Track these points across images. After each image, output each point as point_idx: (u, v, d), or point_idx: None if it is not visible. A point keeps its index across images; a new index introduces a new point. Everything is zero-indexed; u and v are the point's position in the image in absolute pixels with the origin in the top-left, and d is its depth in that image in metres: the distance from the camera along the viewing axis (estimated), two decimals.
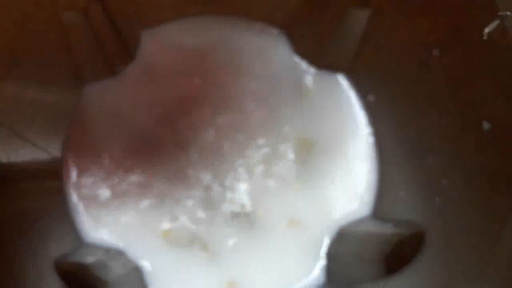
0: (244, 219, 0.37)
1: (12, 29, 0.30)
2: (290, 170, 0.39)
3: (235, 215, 0.37)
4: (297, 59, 0.42)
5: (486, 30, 0.26)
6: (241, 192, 0.38)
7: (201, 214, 0.37)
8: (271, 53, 0.42)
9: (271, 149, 0.39)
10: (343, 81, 0.41)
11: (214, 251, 0.36)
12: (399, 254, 0.31)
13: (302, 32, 0.41)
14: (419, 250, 0.30)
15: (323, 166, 0.39)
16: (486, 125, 0.27)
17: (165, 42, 0.41)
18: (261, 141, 0.39)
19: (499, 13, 0.25)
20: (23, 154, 0.32)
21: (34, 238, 0.29)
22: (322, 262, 0.36)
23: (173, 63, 0.40)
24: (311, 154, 0.39)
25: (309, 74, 0.41)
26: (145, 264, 0.35)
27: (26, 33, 0.31)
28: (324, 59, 0.41)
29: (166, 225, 0.36)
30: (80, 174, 0.37)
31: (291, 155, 0.39)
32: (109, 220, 0.36)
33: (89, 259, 0.31)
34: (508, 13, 0.25)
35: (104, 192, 0.37)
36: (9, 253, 0.26)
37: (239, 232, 0.37)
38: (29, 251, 0.28)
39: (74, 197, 0.36)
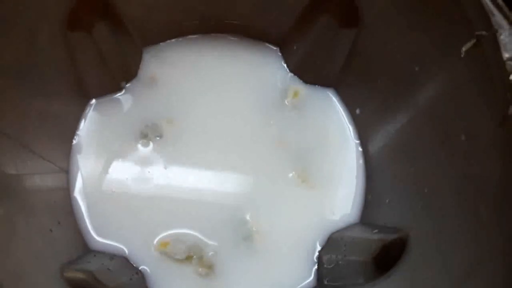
0: (239, 230, 0.37)
1: (19, 44, 0.30)
2: (282, 180, 0.39)
3: (231, 226, 0.37)
4: (289, 74, 0.42)
5: (463, 48, 0.26)
6: (235, 203, 0.38)
7: (198, 227, 0.37)
8: (265, 69, 0.42)
9: (262, 159, 0.39)
10: (332, 95, 0.42)
11: (211, 261, 0.36)
12: (385, 257, 0.31)
13: (294, 48, 0.41)
14: (403, 254, 0.30)
15: (314, 176, 0.39)
16: (463, 137, 0.27)
17: (166, 59, 0.41)
18: (253, 151, 0.39)
19: (476, 33, 0.25)
20: (30, 165, 0.32)
21: (42, 245, 0.29)
22: (314, 266, 0.36)
23: (173, 79, 0.41)
24: (302, 164, 0.39)
25: (300, 88, 0.42)
26: (147, 272, 0.35)
27: (33, 48, 0.31)
28: (313, 74, 0.41)
29: (164, 237, 0.36)
30: (85, 184, 0.37)
31: (282, 165, 0.39)
32: (113, 228, 0.36)
33: (94, 265, 0.31)
34: (484, 32, 0.25)
35: (109, 201, 0.37)
36: (18, 259, 0.26)
37: (236, 244, 0.37)
38: (37, 257, 0.28)
39: (79, 206, 0.36)
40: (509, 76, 0.23)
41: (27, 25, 0.30)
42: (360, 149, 0.40)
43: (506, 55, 0.23)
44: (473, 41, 0.26)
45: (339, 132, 0.40)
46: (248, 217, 0.37)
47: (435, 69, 0.30)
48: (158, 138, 0.38)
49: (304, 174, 0.39)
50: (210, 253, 0.36)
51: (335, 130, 0.41)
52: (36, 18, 0.31)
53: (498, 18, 0.24)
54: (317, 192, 0.38)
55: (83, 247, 0.34)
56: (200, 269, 0.36)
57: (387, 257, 0.31)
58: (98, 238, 0.35)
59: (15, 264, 0.26)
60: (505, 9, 0.24)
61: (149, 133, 0.38)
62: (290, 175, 0.39)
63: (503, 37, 0.24)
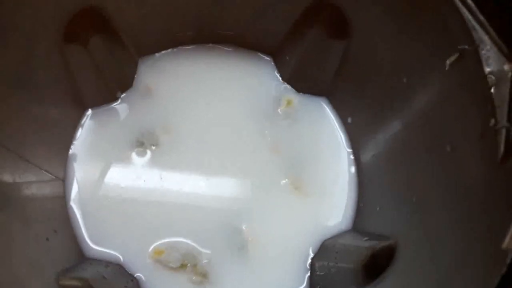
0: (233, 238, 0.37)
1: (16, 56, 0.30)
2: (275, 187, 0.39)
3: (225, 234, 0.37)
4: (282, 83, 0.43)
5: (448, 61, 0.27)
6: (229, 210, 0.38)
7: (192, 235, 0.37)
8: (258, 78, 0.43)
9: (256, 167, 0.40)
10: (324, 104, 0.42)
11: (205, 269, 0.37)
12: (374, 264, 0.32)
13: (287, 58, 0.42)
14: (392, 261, 0.30)
15: (307, 183, 0.40)
16: (448, 148, 0.28)
17: (161, 70, 0.42)
18: (247, 159, 0.40)
19: (458, 47, 0.26)
20: (27, 175, 0.33)
21: (38, 253, 0.30)
22: (307, 273, 0.37)
23: (168, 89, 0.42)
24: (295, 172, 0.40)
25: (293, 97, 0.43)
26: (142, 279, 0.36)
27: (30, 60, 0.32)
28: (306, 84, 0.42)
29: (159, 245, 0.37)
30: (81, 193, 0.37)
31: (275, 173, 0.40)
32: (109, 236, 0.36)
33: (90, 273, 0.32)
34: (466, 46, 0.26)
35: (105, 210, 0.37)
36: (15, 267, 0.27)
37: (230, 252, 0.37)
38: (34, 265, 0.29)
39: (75, 215, 0.37)
40: (490, 89, 0.24)
41: (24, 38, 0.31)
42: (352, 157, 0.40)
43: (487, 69, 0.24)
44: (456, 55, 0.26)
45: (331, 140, 0.41)
46: (241, 225, 0.38)
47: (422, 81, 0.30)
48: (153, 147, 0.39)
49: (297, 181, 0.40)
50: (204, 261, 0.37)
51: (328, 138, 0.41)
52: (33, 30, 0.31)
53: (480, 33, 0.25)
54: (310, 199, 0.39)
55: (79, 255, 0.35)
56: (194, 277, 0.36)
57: (375, 265, 0.31)
58: (93, 246, 0.36)
59: (12, 273, 0.26)
60: (487, 24, 0.24)
61: (145, 141, 0.39)
62: (283, 182, 0.39)
63: (485, 51, 0.25)
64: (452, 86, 0.28)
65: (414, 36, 0.30)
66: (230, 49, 0.44)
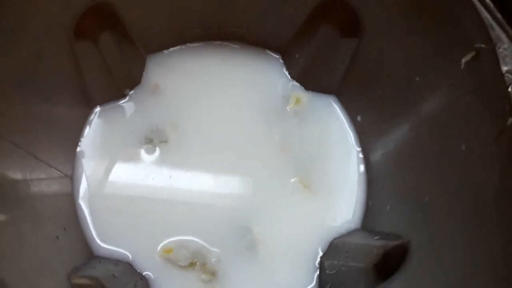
0: (242, 237, 0.37)
1: (26, 52, 0.30)
2: (284, 185, 0.39)
3: (234, 233, 0.37)
4: (290, 81, 0.43)
5: (463, 60, 0.27)
6: (238, 209, 0.38)
7: (201, 234, 0.37)
8: (267, 76, 0.43)
9: (265, 165, 0.40)
10: (333, 102, 0.42)
11: (214, 268, 0.37)
12: (386, 263, 0.32)
13: (296, 56, 0.42)
14: (404, 261, 0.30)
15: (316, 182, 0.39)
16: (463, 147, 0.28)
17: (169, 67, 0.42)
18: (255, 157, 0.40)
19: (475, 45, 0.26)
20: (37, 172, 0.33)
21: (49, 252, 0.30)
22: (316, 272, 0.37)
23: (176, 86, 0.41)
24: (304, 170, 0.40)
25: (302, 95, 0.42)
26: (151, 278, 0.36)
27: (39, 56, 0.32)
28: (315, 82, 0.42)
29: (168, 243, 0.37)
30: (90, 190, 0.37)
31: (284, 171, 0.40)
32: (117, 234, 0.36)
33: (100, 271, 0.32)
34: (483, 45, 0.25)
35: (113, 208, 0.37)
36: (27, 266, 0.27)
37: (239, 250, 0.37)
38: (45, 264, 0.29)
39: (84, 212, 0.36)
40: (507, 88, 0.24)
41: (33, 35, 0.31)
42: (361, 155, 0.40)
43: (504, 68, 0.24)
44: (472, 53, 0.26)
45: (341, 138, 0.41)
46: (250, 223, 0.38)
47: (436, 80, 0.30)
48: (162, 144, 0.39)
49: (306, 179, 0.39)
50: (213, 260, 0.37)
51: (337, 136, 0.41)
52: (43, 28, 0.31)
53: (497, 31, 0.25)
54: (319, 198, 0.39)
55: (88, 253, 0.35)
56: (203, 276, 0.36)
57: (387, 264, 0.31)
58: (102, 244, 0.36)
59: (25, 272, 0.26)
60: (504, 23, 0.24)
61: (154, 138, 0.39)
62: (292, 180, 0.39)
63: (502, 50, 0.24)
64: (467, 85, 0.27)
65: (427, 34, 0.30)
66: (238, 46, 0.43)
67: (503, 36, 0.24)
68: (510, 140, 0.24)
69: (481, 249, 0.26)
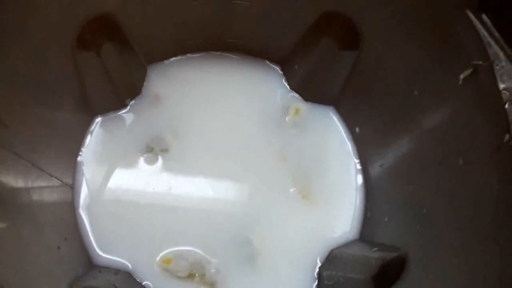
0: (241, 247, 0.38)
1: (29, 62, 0.31)
2: (283, 196, 0.40)
3: (233, 243, 0.38)
4: (290, 92, 0.43)
5: (461, 76, 0.28)
6: (237, 219, 0.38)
7: (201, 244, 0.37)
8: (266, 86, 0.43)
9: (264, 175, 0.40)
10: (332, 113, 0.43)
11: (213, 279, 0.37)
12: (384, 275, 0.32)
13: (295, 68, 0.42)
14: (402, 272, 0.31)
15: (314, 192, 0.40)
16: (461, 161, 0.28)
17: (170, 77, 0.42)
18: (255, 167, 0.40)
19: (472, 62, 0.27)
20: (38, 181, 0.33)
21: (51, 262, 0.30)
22: (315, 283, 0.37)
23: (177, 96, 0.42)
24: (302, 180, 0.40)
25: (301, 106, 0.43)
26: (150, 287, 0.36)
27: (42, 66, 0.32)
28: (314, 93, 0.42)
29: (168, 253, 0.37)
30: (90, 200, 0.37)
31: (283, 181, 0.40)
32: (117, 244, 0.37)
33: (101, 282, 0.32)
34: (481, 62, 0.26)
35: (113, 217, 0.37)
36: (31, 276, 0.27)
37: (238, 261, 0.37)
38: (48, 275, 0.29)
39: (84, 222, 0.37)
40: (504, 105, 0.24)
41: (36, 45, 0.31)
42: (359, 166, 0.41)
43: (502, 86, 0.25)
44: (470, 69, 0.27)
45: (339, 149, 0.42)
46: (250, 234, 0.38)
47: (434, 94, 0.31)
48: (163, 152, 0.39)
49: (304, 190, 0.40)
50: (212, 271, 0.37)
51: (335, 147, 0.42)
52: (45, 37, 0.32)
53: (495, 49, 0.25)
54: (317, 208, 0.39)
55: (88, 263, 0.35)
56: (202, 287, 0.36)
57: (386, 276, 0.31)
58: (102, 253, 0.36)
59: (26, 281, 0.26)
60: (502, 41, 0.25)
61: (154, 146, 0.39)
62: (291, 190, 0.40)
63: (499, 68, 0.25)
64: (465, 100, 0.28)
65: (426, 49, 0.31)
66: (238, 57, 0.44)
67: (500, 54, 0.25)
68: (508, 155, 0.25)
69: (479, 261, 0.26)
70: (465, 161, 0.28)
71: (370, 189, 0.40)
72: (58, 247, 0.31)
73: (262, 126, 0.42)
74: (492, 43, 0.25)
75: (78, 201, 0.37)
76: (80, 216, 0.37)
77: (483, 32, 0.25)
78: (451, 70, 0.28)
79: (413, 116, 0.34)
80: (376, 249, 0.34)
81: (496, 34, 0.25)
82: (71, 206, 0.37)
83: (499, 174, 0.26)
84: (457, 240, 0.28)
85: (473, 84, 0.27)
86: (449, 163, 0.29)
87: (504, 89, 0.25)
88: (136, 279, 0.35)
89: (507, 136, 0.24)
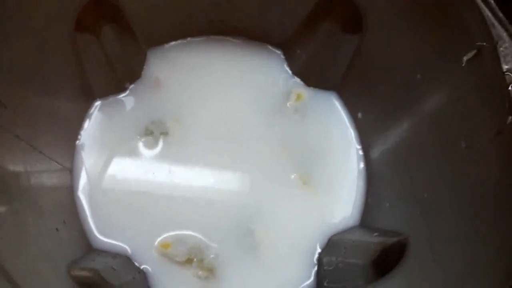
0: (241, 232, 0.38)
1: (28, 46, 0.31)
2: (284, 182, 0.39)
3: (232, 228, 0.38)
4: (292, 77, 0.43)
5: (465, 58, 0.27)
6: (237, 204, 0.38)
7: (200, 229, 0.37)
8: (268, 71, 0.43)
9: (265, 160, 0.40)
10: (334, 98, 0.42)
11: (212, 264, 0.37)
12: (384, 260, 0.32)
13: (297, 52, 0.42)
14: (403, 257, 0.30)
15: (315, 178, 0.40)
16: (463, 144, 0.28)
17: (170, 61, 0.42)
18: (256, 152, 0.40)
19: (476, 44, 0.26)
20: (38, 165, 0.33)
21: (50, 244, 0.30)
22: (314, 268, 0.37)
23: (176, 80, 0.42)
24: (304, 166, 0.40)
25: (303, 91, 0.43)
26: (149, 271, 0.36)
27: (41, 50, 0.32)
28: (316, 78, 0.42)
29: (166, 238, 0.37)
30: (89, 183, 0.37)
31: (284, 167, 0.40)
32: (116, 227, 0.36)
33: (99, 264, 0.32)
34: (484, 43, 0.26)
35: (112, 201, 0.37)
36: (31, 257, 0.27)
37: (238, 246, 0.37)
38: (47, 256, 0.29)
39: (83, 205, 0.37)
40: (508, 86, 0.24)
41: (35, 27, 0.31)
42: (361, 153, 0.41)
43: (505, 67, 0.24)
44: (474, 51, 0.27)
45: (341, 135, 0.41)
46: (250, 220, 0.38)
47: (437, 77, 0.30)
48: (163, 136, 0.39)
49: (305, 176, 0.40)
50: (211, 256, 0.37)
51: (337, 133, 0.41)
52: (44, 20, 0.31)
53: (498, 30, 0.25)
54: (318, 194, 0.39)
55: (87, 246, 0.35)
56: (200, 272, 0.36)
57: (386, 261, 0.31)
58: (101, 237, 0.36)
59: (26, 261, 0.27)
60: (506, 22, 0.24)
61: (154, 130, 0.39)
62: (292, 177, 0.40)
63: (503, 49, 0.25)
64: (468, 83, 0.28)
65: (430, 32, 0.30)
66: (240, 41, 0.43)
67: (504, 35, 0.25)
68: (510, 138, 0.25)
69: (479, 245, 0.26)
70: (468, 145, 0.28)
71: (371, 175, 0.39)
72: (57, 229, 0.31)
73: (263, 112, 0.41)
74: (496, 24, 0.25)
75: (77, 185, 0.37)
76: (79, 199, 0.37)
77: (487, 13, 0.25)
78: (455, 53, 0.28)
79: (416, 100, 0.33)
80: (376, 234, 0.34)
81: (500, 15, 0.25)
82: (70, 189, 0.37)
83: (501, 157, 0.26)
84: (457, 224, 0.28)
85: (476, 67, 0.27)
86: (451, 147, 0.29)
87: (508, 70, 0.24)
88: (134, 263, 0.35)
89: (510, 118, 0.24)
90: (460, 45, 0.28)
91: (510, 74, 0.24)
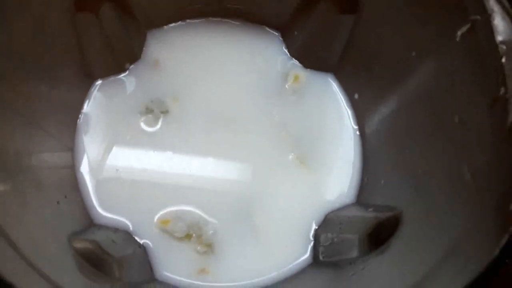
0: (239, 209, 0.38)
1: (28, 25, 0.31)
2: (281, 161, 0.40)
3: (231, 205, 0.38)
4: (290, 59, 0.43)
5: (459, 32, 0.27)
6: (236, 181, 0.39)
7: (199, 205, 0.38)
8: (266, 53, 0.43)
9: (263, 141, 0.40)
10: (332, 80, 0.43)
11: (210, 240, 0.37)
12: (378, 234, 0.32)
13: (295, 34, 0.42)
14: (396, 231, 0.31)
15: (312, 158, 0.40)
16: (456, 119, 0.28)
17: (169, 42, 0.42)
18: (254, 132, 0.40)
19: (470, 17, 0.26)
20: (39, 142, 0.33)
21: (50, 215, 0.30)
22: (310, 244, 0.38)
23: (176, 61, 0.42)
24: (301, 147, 0.40)
25: (300, 73, 0.43)
26: (149, 246, 0.36)
27: (41, 29, 0.32)
28: (314, 59, 0.42)
29: (166, 214, 0.37)
30: (90, 162, 0.38)
31: (282, 147, 0.40)
32: (117, 203, 0.37)
33: (99, 237, 0.32)
34: (478, 17, 0.26)
35: (113, 178, 0.38)
36: (31, 227, 0.27)
37: (236, 223, 0.38)
38: (47, 226, 0.29)
39: (85, 182, 0.37)
40: (501, 58, 0.24)
41: (35, 7, 0.31)
42: (357, 133, 0.41)
43: (499, 38, 0.25)
44: (467, 25, 0.27)
45: (338, 116, 0.42)
46: (248, 197, 0.38)
47: (431, 54, 0.31)
48: (163, 114, 0.39)
49: (302, 156, 0.40)
50: (210, 232, 0.37)
51: (334, 114, 0.42)
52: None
53: (491, 3, 0.25)
54: (315, 173, 0.40)
55: (88, 221, 0.36)
56: (198, 247, 0.37)
57: (381, 234, 0.32)
58: (102, 212, 0.36)
59: (28, 231, 0.27)
60: None
61: (154, 108, 0.39)
62: (290, 157, 0.40)
63: (496, 21, 0.25)
64: (462, 57, 0.28)
65: (424, 8, 0.30)
66: (238, 23, 0.44)
67: (497, 8, 0.25)
68: (503, 110, 0.25)
69: (473, 215, 0.26)
70: (461, 120, 0.28)
71: (367, 154, 0.40)
72: (58, 202, 0.32)
73: (261, 93, 0.42)
74: None
75: (79, 162, 0.37)
76: (81, 176, 0.37)
77: None
78: (449, 27, 0.28)
79: (410, 78, 0.33)
80: (371, 209, 0.34)
81: None
82: (72, 167, 0.37)
83: (495, 130, 0.26)
84: (451, 197, 0.29)
85: (470, 41, 0.27)
86: (445, 122, 0.29)
87: (501, 42, 0.24)
88: (135, 238, 0.36)
89: (502, 89, 0.24)
90: (455, 20, 0.28)
91: (503, 46, 0.24)
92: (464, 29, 0.27)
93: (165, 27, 0.43)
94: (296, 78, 0.42)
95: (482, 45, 0.26)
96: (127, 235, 0.35)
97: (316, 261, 0.36)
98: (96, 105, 0.39)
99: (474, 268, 0.23)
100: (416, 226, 0.30)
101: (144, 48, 0.42)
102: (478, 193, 0.27)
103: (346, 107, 0.42)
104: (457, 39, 0.28)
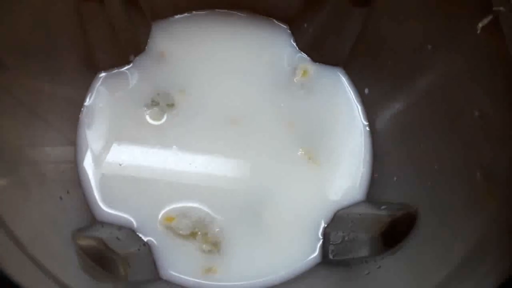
0: (246, 206, 0.37)
1: (33, 15, 0.30)
2: (290, 157, 0.39)
3: (238, 201, 0.37)
4: (298, 52, 0.42)
5: (480, 24, 0.26)
6: (243, 178, 0.38)
7: (205, 201, 0.37)
8: (274, 46, 0.42)
9: (271, 136, 0.39)
10: (341, 74, 0.42)
11: (217, 238, 0.36)
12: (392, 233, 0.31)
13: (304, 26, 0.41)
14: (411, 229, 0.30)
15: (321, 154, 0.39)
16: (476, 113, 0.27)
17: (174, 34, 0.41)
18: (262, 127, 0.39)
19: (493, 8, 0.25)
20: (42, 135, 0.32)
21: (53, 210, 0.30)
22: (319, 242, 0.37)
23: (181, 54, 0.41)
24: (310, 142, 0.39)
25: (309, 66, 0.42)
26: (154, 244, 0.35)
27: (46, 20, 0.31)
28: (323, 53, 0.41)
29: (171, 211, 0.36)
30: (93, 156, 0.37)
31: (290, 143, 0.39)
32: (121, 200, 0.36)
33: (104, 234, 0.31)
34: (501, 8, 0.25)
35: (116, 173, 0.37)
36: (34, 220, 0.27)
37: (243, 220, 0.37)
38: (50, 221, 0.28)
39: (87, 177, 0.36)
40: None
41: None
42: (367, 128, 0.40)
43: None
44: (489, 17, 0.26)
45: (347, 111, 0.41)
46: (255, 193, 0.37)
47: (449, 47, 0.29)
48: (169, 107, 0.38)
49: (311, 152, 0.39)
50: (216, 230, 0.36)
51: (343, 109, 0.41)
52: None
53: None
54: (324, 170, 0.39)
55: (91, 218, 0.35)
56: (204, 246, 0.36)
57: (395, 233, 0.31)
58: (106, 208, 0.35)
59: (31, 225, 0.26)
60: None
61: (160, 101, 0.38)
62: (299, 153, 0.39)
63: None
64: (482, 51, 0.27)
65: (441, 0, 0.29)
66: (245, 15, 0.42)
67: None
68: None
69: (489, 215, 0.25)
70: (481, 114, 0.27)
71: (377, 150, 0.39)
72: (61, 198, 0.31)
73: (269, 87, 0.41)
74: None
75: (82, 157, 0.36)
76: (83, 170, 0.36)
77: None
78: (468, 20, 0.27)
79: (425, 72, 0.32)
80: (384, 207, 0.33)
81: None
82: (73, 161, 0.36)
83: None
84: (467, 196, 0.27)
85: (492, 33, 0.26)
86: (463, 116, 0.28)
87: None
88: (139, 235, 0.35)
89: None
90: (475, 11, 0.26)
91: None
92: (485, 21, 0.26)
93: (171, 18, 0.42)
94: (304, 72, 0.41)
95: (505, 38, 0.25)
96: (131, 233, 0.34)
97: (325, 260, 0.35)
98: (99, 98, 0.38)
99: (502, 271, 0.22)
100: (432, 226, 0.29)
101: (149, 40, 0.41)
102: (498, 189, 0.26)
103: (356, 102, 0.41)
104: (478, 31, 0.26)
